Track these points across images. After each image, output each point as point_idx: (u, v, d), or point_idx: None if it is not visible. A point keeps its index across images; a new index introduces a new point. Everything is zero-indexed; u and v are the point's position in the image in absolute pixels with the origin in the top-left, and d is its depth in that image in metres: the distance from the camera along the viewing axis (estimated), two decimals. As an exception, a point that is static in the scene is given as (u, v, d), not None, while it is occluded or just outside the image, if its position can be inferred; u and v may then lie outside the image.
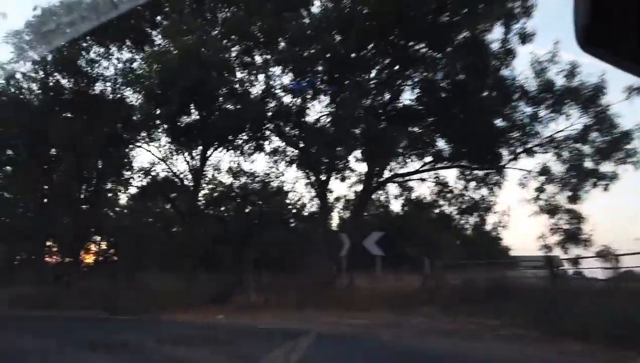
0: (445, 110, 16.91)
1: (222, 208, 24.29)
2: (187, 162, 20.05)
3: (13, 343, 9.22)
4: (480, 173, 19.32)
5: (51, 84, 18.99)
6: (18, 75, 19.35)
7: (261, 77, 17.25)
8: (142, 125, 18.23)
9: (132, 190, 23.76)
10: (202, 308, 14.52)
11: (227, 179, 22.57)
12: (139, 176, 21.12)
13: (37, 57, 18.41)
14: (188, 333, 10.18)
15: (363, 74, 16.63)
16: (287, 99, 17.09)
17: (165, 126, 17.36)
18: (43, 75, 19.12)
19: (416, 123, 17.96)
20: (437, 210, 21.06)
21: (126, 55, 19.40)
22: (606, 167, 17.23)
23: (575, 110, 17.05)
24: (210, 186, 22.86)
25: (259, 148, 18.46)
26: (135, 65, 19.05)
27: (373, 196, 20.91)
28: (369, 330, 10.39)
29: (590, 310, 8.21)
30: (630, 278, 13.07)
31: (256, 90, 17.37)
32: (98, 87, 19.68)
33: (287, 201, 23.60)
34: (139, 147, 20.33)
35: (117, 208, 26.85)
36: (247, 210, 23.36)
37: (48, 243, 24.93)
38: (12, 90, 19.53)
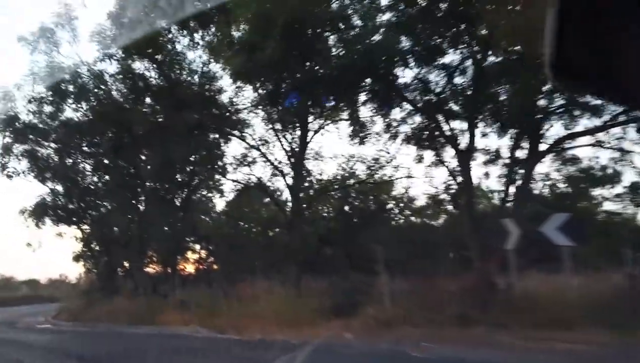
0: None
1: (328, 204, 21.10)
2: (285, 150, 16.95)
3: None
4: None
5: (136, 72, 17.24)
6: (106, 77, 18.13)
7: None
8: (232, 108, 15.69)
9: (226, 189, 21.85)
10: (316, 323, 11.43)
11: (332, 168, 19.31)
12: (233, 166, 18.61)
13: (120, 52, 16.95)
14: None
15: None
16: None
17: (261, 92, 13.84)
18: (126, 67, 17.41)
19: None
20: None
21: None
22: None
23: None
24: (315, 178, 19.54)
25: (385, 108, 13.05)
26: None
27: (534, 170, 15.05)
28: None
29: None
30: None
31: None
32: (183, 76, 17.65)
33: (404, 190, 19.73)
34: (231, 135, 17.68)
35: (213, 213, 25.28)
36: (357, 203, 19.85)
37: (149, 253, 23.78)
38: (99, 89, 18.25)
